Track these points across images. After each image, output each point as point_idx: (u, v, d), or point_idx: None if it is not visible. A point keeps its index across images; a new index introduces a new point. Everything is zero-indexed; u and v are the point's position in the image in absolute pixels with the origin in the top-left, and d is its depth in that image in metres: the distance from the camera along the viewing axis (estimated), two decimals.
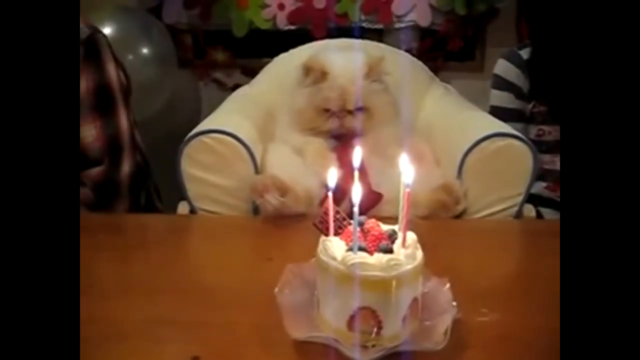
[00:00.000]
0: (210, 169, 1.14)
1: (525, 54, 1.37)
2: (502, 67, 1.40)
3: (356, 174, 0.72)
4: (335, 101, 1.17)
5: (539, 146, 1.34)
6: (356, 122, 1.19)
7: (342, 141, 1.22)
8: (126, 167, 1.15)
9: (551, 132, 1.35)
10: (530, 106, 1.36)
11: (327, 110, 1.19)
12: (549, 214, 1.37)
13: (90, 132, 1.07)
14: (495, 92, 1.42)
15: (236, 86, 1.74)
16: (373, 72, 1.22)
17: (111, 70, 1.10)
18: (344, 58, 1.24)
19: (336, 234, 0.70)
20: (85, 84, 1.05)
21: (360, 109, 1.19)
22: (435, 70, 1.73)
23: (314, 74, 1.21)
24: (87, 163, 1.11)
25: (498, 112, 1.37)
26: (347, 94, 1.18)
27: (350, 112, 1.19)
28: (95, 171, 1.11)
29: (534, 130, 1.37)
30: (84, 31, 1.06)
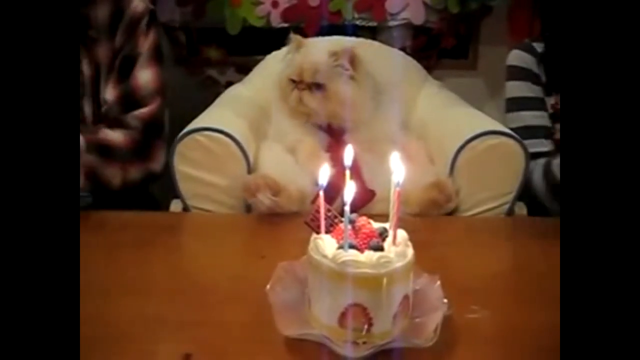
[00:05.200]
0: (202, 167, 1.14)
1: (539, 47, 1.32)
2: (516, 56, 1.34)
3: (347, 172, 0.72)
4: (298, 70, 1.20)
5: None
6: (313, 101, 1.19)
7: (332, 136, 1.22)
8: (165, 115, 1.27)
9: None
10: (552, 102, 1.30)
11: (293, 82, 1.20)
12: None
13: (147, 74, 1.24)
14: (510, 84, 1.35)
15: (229, 84, 1.74)
16: (338, 56, 1.19)
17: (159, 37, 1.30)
18: (325, 40, 1.31)
19: (327, 231, 0.70)
20: (149, 40, 1.24)
21: (318, 87, 1.19)
22: (429, 68, 1.73)
23: (293, 45, 1.24)
24: (134, 106, 1.23)
25: (516, 103, 1.32)
26: (308, 64, 1.19)
27: (309, 88, 1.19)
28: (147, 110, 1.23)
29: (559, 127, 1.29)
30: (149, 5, 1.27)
